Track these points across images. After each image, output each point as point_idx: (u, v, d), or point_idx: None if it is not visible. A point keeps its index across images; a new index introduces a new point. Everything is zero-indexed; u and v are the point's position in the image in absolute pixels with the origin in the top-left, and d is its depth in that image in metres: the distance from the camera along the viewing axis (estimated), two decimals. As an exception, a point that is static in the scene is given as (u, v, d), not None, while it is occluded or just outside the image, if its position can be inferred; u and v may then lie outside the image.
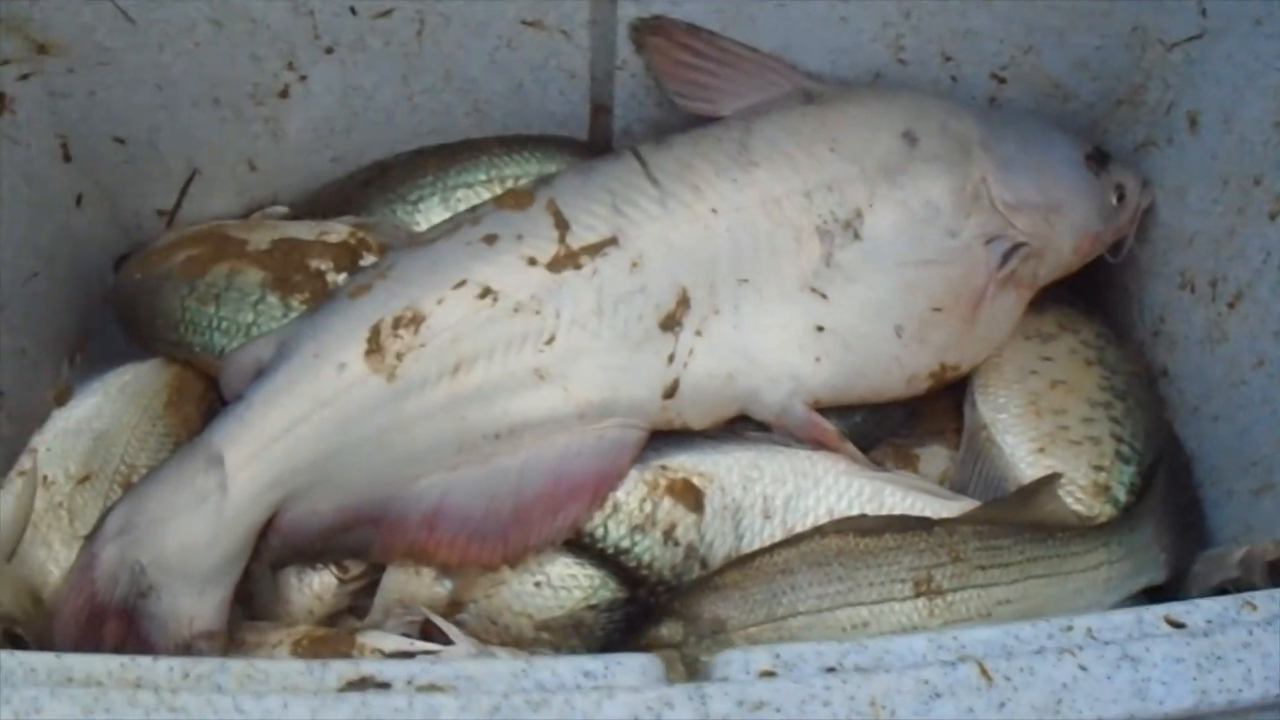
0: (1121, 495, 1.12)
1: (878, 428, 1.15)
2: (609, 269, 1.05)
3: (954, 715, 0.66)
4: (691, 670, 0.94)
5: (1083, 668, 0.68)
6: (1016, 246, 1.12)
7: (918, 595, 0.99)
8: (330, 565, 1.08)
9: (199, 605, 1.00)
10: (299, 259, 1.15)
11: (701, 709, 0.65)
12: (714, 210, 1.07)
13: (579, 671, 0.68)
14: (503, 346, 1.03)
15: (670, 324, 1.05)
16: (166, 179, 1.24)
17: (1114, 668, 0.69)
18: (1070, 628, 0.71)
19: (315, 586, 1.07)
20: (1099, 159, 1.17)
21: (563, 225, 1.06)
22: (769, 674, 0.68)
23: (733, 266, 1.07)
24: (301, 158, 1.25)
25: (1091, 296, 1.28)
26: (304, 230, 1.19)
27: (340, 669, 0.68)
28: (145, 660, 0.68)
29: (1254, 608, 0.72)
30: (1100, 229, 1.17)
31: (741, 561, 1.02)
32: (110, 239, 1.26)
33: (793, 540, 1.02)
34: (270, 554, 1.04)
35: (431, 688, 0.67)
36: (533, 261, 1.04)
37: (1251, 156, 1.08)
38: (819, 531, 1.02)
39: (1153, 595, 1.08)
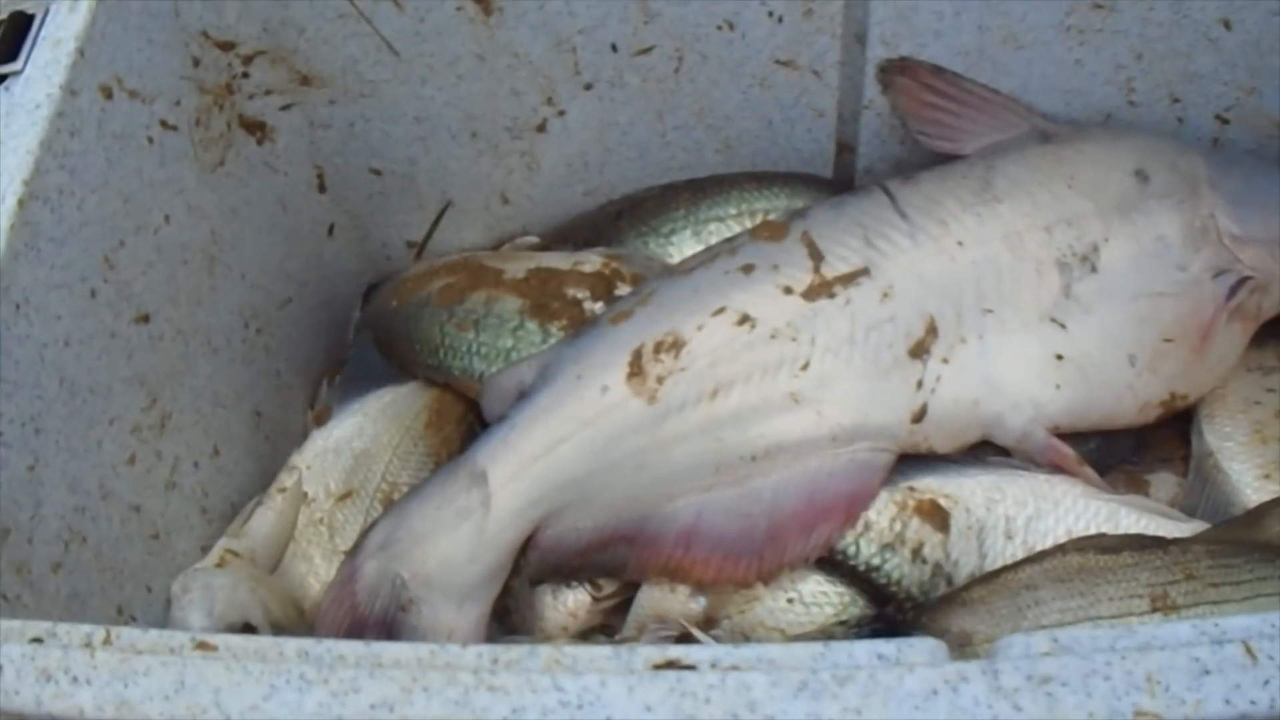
0: None
1: (1109, 455, 1.24)
2: (861, 298, 1.15)
3: (1222, 690, 0.72)
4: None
5: None
6: (1243, 280, 1.21)
7: (1154, 610, 1.07)
8: (585, 583, 1.17)
9: (458, 619, 1.11)
10: (555, 287, 1.26)
11: (994, 681, 0.72)
12: (960, 243, 1.18)
13: (873, 654, 0.75)
14: (759, 371, 1.13)
15: (919, 352, 1.15)
16: (419, 210, 1.36)
17: None
18: None
19: (570, 604, 1.17)
20: (1320, 197, 1.28)
21: (817, 256, 1.16)
22: (1048, 654, 0.75)
23: (978, 297, 1.17)
24: (554, 191, 1.37)
25: None
26: (558, 260, 1.30)
27: (647, 653, 0.74)
28: (454, 648, 0.74)
29: None
30: (1322, 264, 1.26)
31: (987, 578, 1.11)
32: (358, 269, 1.38)
33: (1035, 557, 1.11)
34: (529, 570, 1.14)
35: (735, 668, 0.73)
36: (789, 290, 1.15)
37: None
38: (1061, 549, 1.11)
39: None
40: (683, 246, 1.32)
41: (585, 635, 1.19)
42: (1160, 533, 1.16)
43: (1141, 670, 0.73)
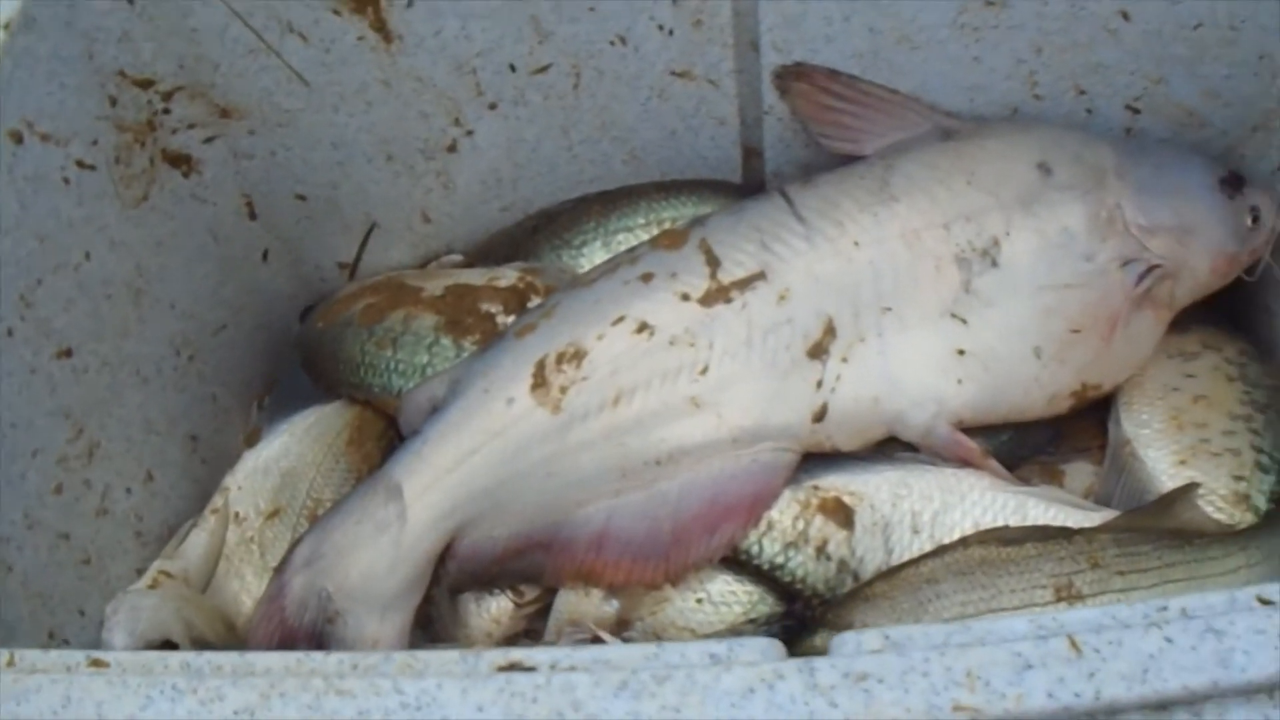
0: (1262, 503, 1.21)
1: (1023, 446, 1.26)
2: (757, 302, 1.18)
3: (1045, 684, 0.74)
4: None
5: (1169, 640, 0.75)
6: (1151, 268, 1.22)
7: (1058, 600, 1.09)
8: (506, 589, 1.21)
9: (382, 629, 1.15)
10: (470, 303, 1.30)
11: (810, 679, 0.74)
12: (856, 243, 1.20)
13: (705, 653, 0.78)
14: (659, 378, 1.17)
15: (818, 352, 1.18)
16: (346, 233, 1.41)
17: (1199, 639, 0.75)
18: (1165, 608, 0.78)
19: (493, 610, 1.21)
20: (1234, 182, 1.27)
21: (714, 262, 1.19)
22: (878, 651, 0.77)
23: (876, 296, 1.19)
24: (472, 208, 1.42)
25: (1235, 315, 1.37)
26: (475, 276, 1.34)
27: (491, 656, 0.79)
28: (318, 655, 0.79)
29: None
30: (1236, 250, 1.26)
31: (890, 573, 1.13)
32: (295, 291, 1.43)
33: (937, 551, 1.13)
34: (448, 579, 1.18)
35: (571, 669, 0.77)
36: (686, 297, 1.18)
37: None
38: (963, 542, 1.13)
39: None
40: (594, 258, 1.36)
41: (511, 640, 1.23)
42: (1068, 523, 1.18)
43: (962, 666, 0.76)
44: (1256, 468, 1.23)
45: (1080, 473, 1.29)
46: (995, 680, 0.75)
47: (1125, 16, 1.24)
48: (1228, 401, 1.27)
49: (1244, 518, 1.21)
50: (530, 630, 1.24)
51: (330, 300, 1.39)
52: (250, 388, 1.37)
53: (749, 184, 1.42)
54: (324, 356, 1.34)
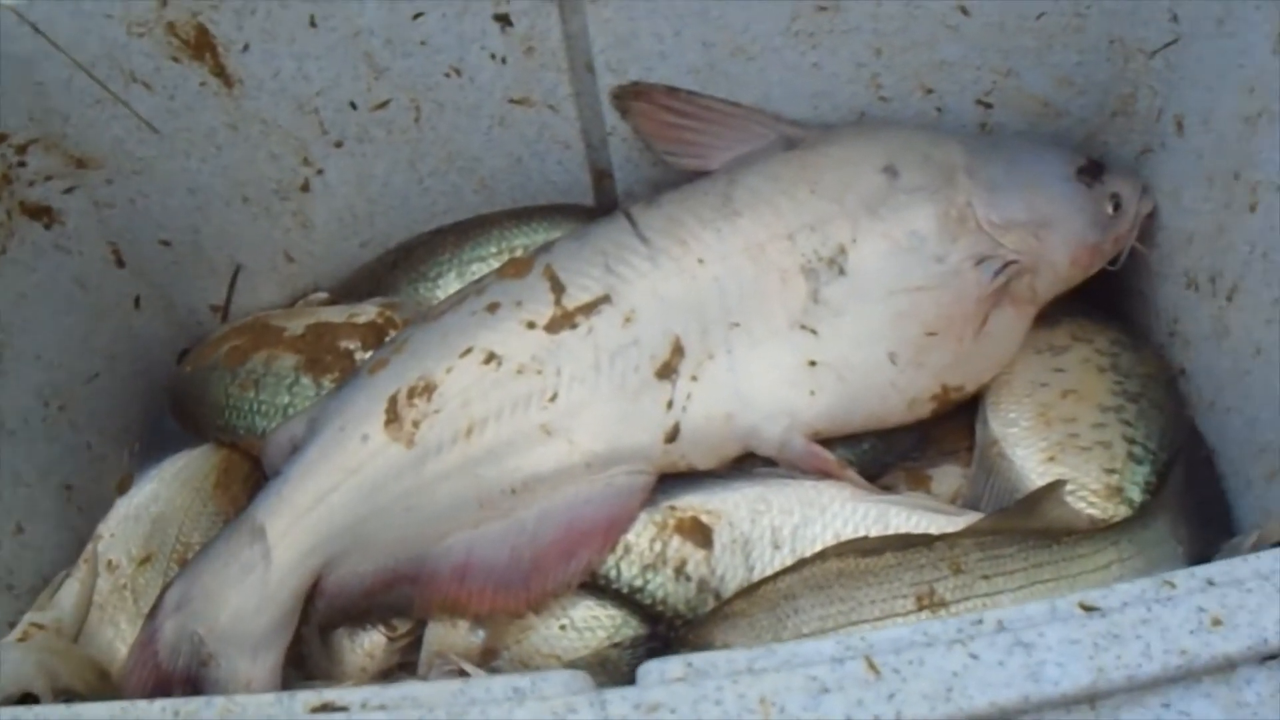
0: (1136, 495, 1.20)
1: (887, 453, 1.26)
2: (603, 325, 1.18)
3: (844, 707, 0.74)
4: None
5: (974, 656, 0.75)
6: (1007, 265, 1.21)
7: (920, 609, 1.09)
8: (378, 624, 1.22)
9: (253, 669, 1.16)
10: (330, 341, 1.31)
11: (601, 712, 0.75)
12: (700, 261, 1.20)
13: (509, 687, 0.78)
14: (509, 407, 1.17)
15: (666, 372, 1.18)
16: (214, 276, 1.41)
17: (1006, 654, 0.75)
18: (979, 621, 0.78)
19: (366, 645, 1.22)
20: (1092, 171, 1.26)
21: (559, 288, 1.20)
22: (678, 680, 0.78)
23: (722, 312, 1.19)
24: (332, 246, 1.42)
25: (1112, 305, 1.37)
26: (336, 314, 1.35)
27: (305, 697, 0.79)
28: (142, 703, 0.79)
29: (1173, 585, 0.78)
30: (1098, 239, 1.26)
31: (748, 590, 1.13)
32: (171, 336, 1.43)
33: (795, 566, 1.13)
34: (318, 617, 1.19)
35: (380, 707, 0.78)
36: (531, 325, 1.19)
37: (1229, 153, 1.17)
38: (820, 556, 1.13)
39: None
40: (449, 289, 1.37)
41: (386, 674, 1.23)
42: (931, 529, 1.17)
43: (756, 693, 0.76)
44: (1129, 459, 1.22)
45: (948, 476, 1.28)
46: (790, 706, 0.75)
47: (964, 11, 1.24)
48: (1098, 393, 1.26)
49: (1118, 511, 1.20)
50: (405, 663, 1.24)
51: (201, 344, 1.40)
52: (129, 434, 1.38)
53: (602, 206, 1.43)
54: (191, 401, 1.35)
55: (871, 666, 0.76)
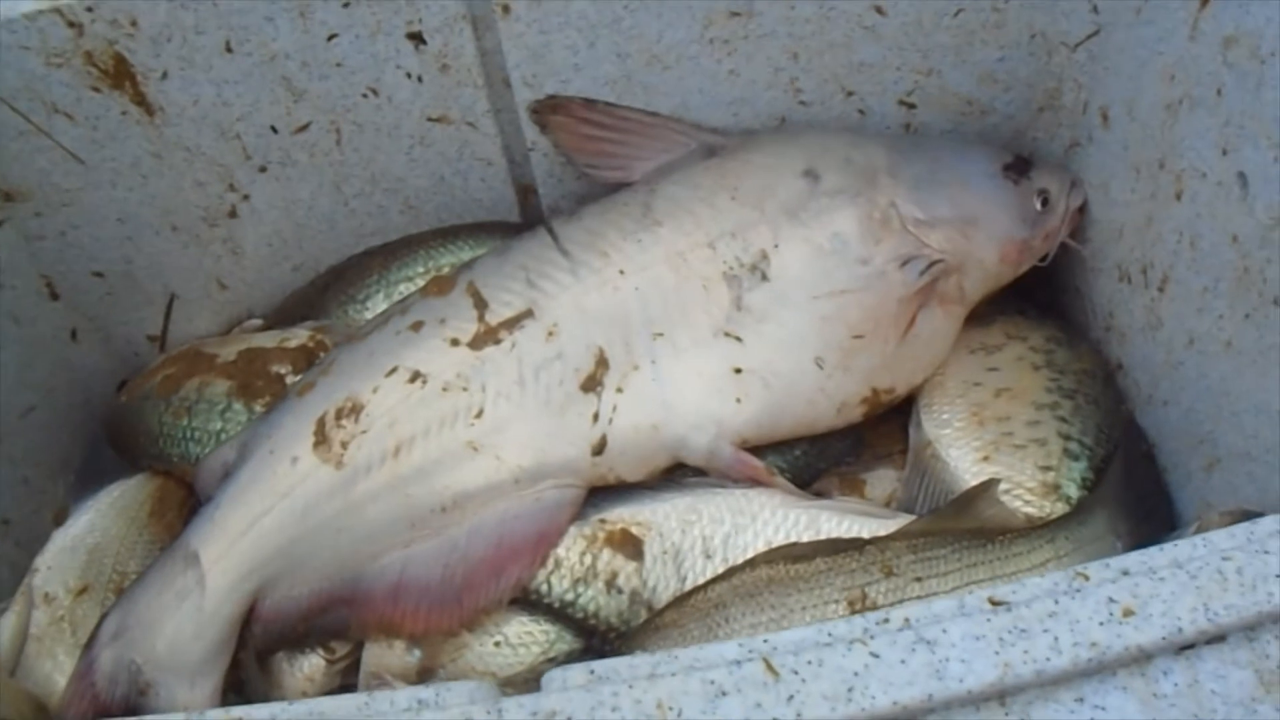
0: (1073, 492, 1.19)
1: (820, 459, 1.25)
2: (526, 340, 1.18)
3: (741, 710, 0.73)
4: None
5: (875, 655, 0.74)
6: (933, 264, 1.21)
7: (853, 614, 1.08)
8: (317, 647, 1.21)
9: (192, 696, 1.16)
10: (261, 365, 1.31)
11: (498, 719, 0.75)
12: (622, 272, 1.20)
13: (414, 699, 0.78)
14: (436, 425, 1.17)
15: (591, 385, 1.18)
16: (149, 306, 1.41)
17: (908, 652, 0.74)
18: (885, 620, 0.77)
19: (305, 669, 1.21)
20: (1019, 167, 1.26)
21: (481, 305, 1.20)
22: (579, 686, 0.77)
23: (645, 323, 1.19)
24: (264, 271, 1.42)
25: (1050, 303, 1.36)
26: (268, 339, 1.35)
27: (214, 715, 0.80)
28: None
29: (1086, 577, 0.78)
30: (1026, 235, 1.25)
31: (679, 601, 1.13)
32: (110, 368, 1.44)
33: (725, 575, 1.12)
34: (255, 641, 1.19)
35: None
36: (455, 342, 1.19)
37: (1153, 142, 1.16)
38: (750, 563, 1.12)
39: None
40: (378, 311, 1.36)
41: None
42: (862, 533, 1.17)
43: (653, 697, 0.75)
44: (1065, 455, 1.22)
45: (882, 480, 1.27)
46: (688, 709, 0.74)
47: (880, 11, 1.23)
48: (1032, 391, 1.25)
49: (1056, 509, 1.20)
50: (346, 685, 1.23)
51: (138, 374, 1.40)
52: (67, 467, 1.38)
53: (528, 222, 1.42)
54: (126, 430, 1.35)
55: (770, 668, 0.76)
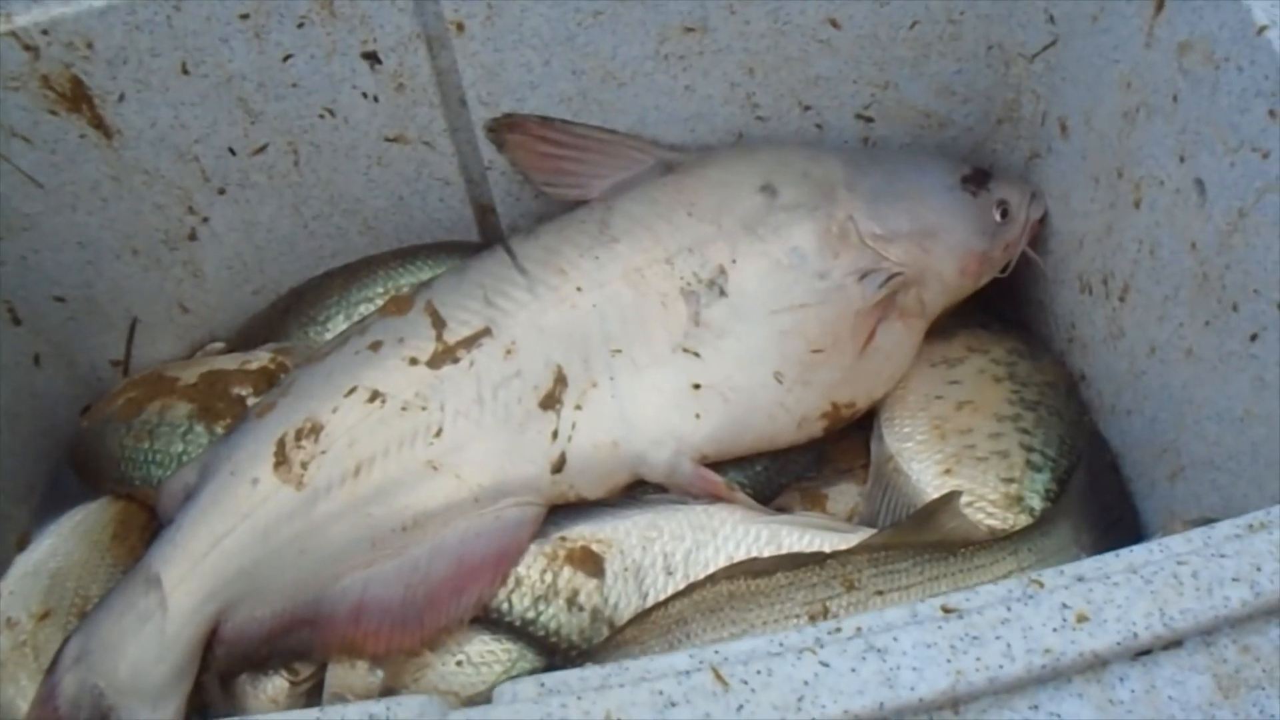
0: (1037, 503, 1.19)
1: (781, 474, 1.25)
2: (484, 359, 1.18)
3: None
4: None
5: (825, 664, 0.73)
6: (891, 277, 1.20)
7: None
8: (280, 669, 1.20)
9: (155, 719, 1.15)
10: (223, 388, 1.31)
11: None
12: (579, 289, 1.20)
13: (365, 713, 0.76)
14: (395, 444, 1.17)
15: (550, 402, 1.17)
16: (112, 331, 1.41)
17: (859, 660, 0.73)
18: (838, 629, 0.76)
19: (269, 691, 1.20)
20: (977, 179, 1.26)
21: (440, 324, 1.20)
22: (529, 700, 0.75)
23: (603, 339, 1.19)
24: (225, 295, 1.42)
25: (1013, 315, 1.36)
26: (229, 361, 1.35)
27: None
28: None
29: (1041, 584, 0.76)
30: (986, 247, 1.25)
31: (640, 617, 1.12)
32: (74, 393, 1.42)
33: (686, 590, 1.12)
34: (218, 664, 1.18)
35: None
36: (414, 361, 1.19)
37: (1111, 151, 1.16)
38: (711, 579, 1.12)
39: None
40: (338, 332, 1.35)
41: None
42: (824, 547, 1.16)
43: (601, 709, 0.74)
44: (1028, 467, 1.21)
45: (844, 495, 1.27)
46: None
47: (835, 25, 1.24)
48: (994, 403, 1.25)
49: (1019, 520, 1.19)
50: (310, 706, 1.21)
51: (101, 399, 1.40)
52: (31, 492, 1.38)
53: (487, 241, 1.42)
54: (88, 454, 1.35)
55: (719, 678, 0.75)
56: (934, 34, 1.24)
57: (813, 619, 1.07)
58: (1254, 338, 0.99)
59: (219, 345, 1.45)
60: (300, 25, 1.18)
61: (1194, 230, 1.05)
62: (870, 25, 1.23)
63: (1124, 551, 0.78)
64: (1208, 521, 1.05)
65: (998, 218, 1.25)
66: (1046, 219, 1.29)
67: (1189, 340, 1.08)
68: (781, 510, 1.23)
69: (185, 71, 1.20)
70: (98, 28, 1.15)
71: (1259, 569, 0.74)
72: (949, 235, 1.23)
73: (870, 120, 1.32)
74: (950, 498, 1.16)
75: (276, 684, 1.20)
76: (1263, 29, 0.94)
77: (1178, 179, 1.06)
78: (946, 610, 0.76)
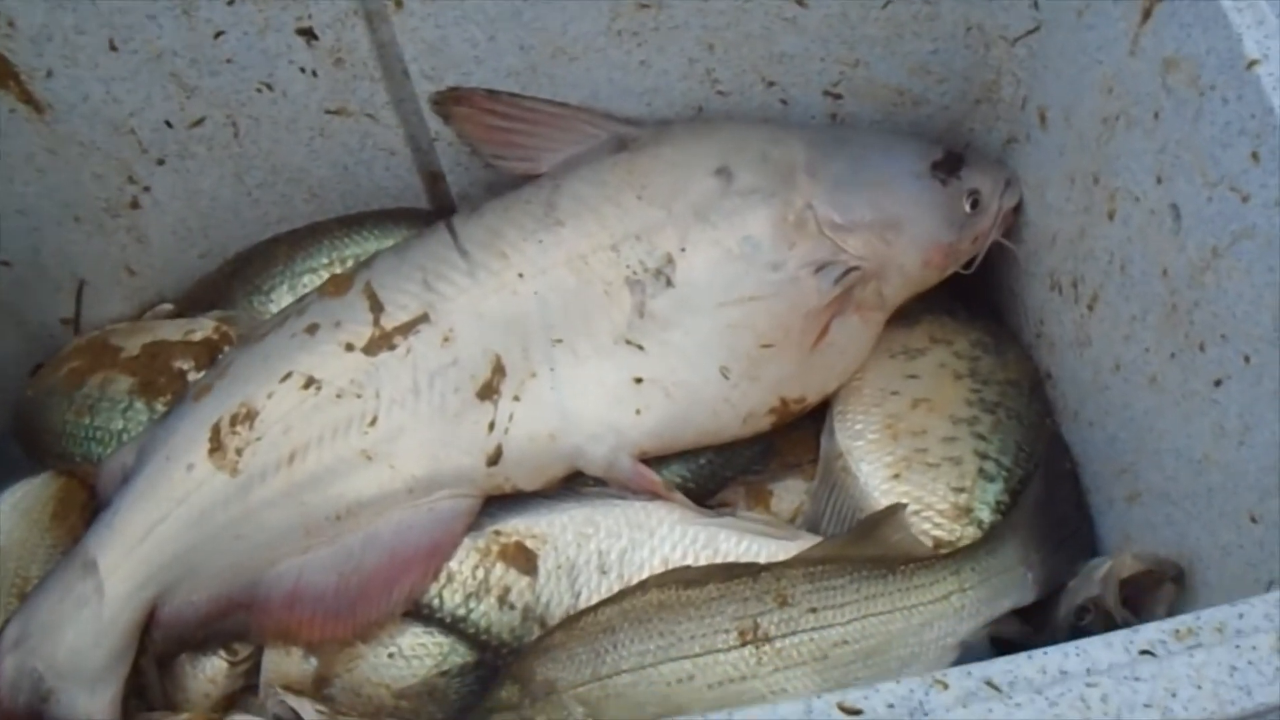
0: (986, 516, 1.15)
1: (726, 467, 1.21)
2: (422, 346, 1.15)
3: None
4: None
5: None
6: (849, 271, 1.15)
7: (744, 644, 1.04)
8: (219, 650, 1.19)
9: (92, 703, 1.14)
10: (164, 361, 1.29)
11: None
12: (521, 275, 1.16)
13: None
14: (330, 432, 1.14)
15: (488, 392, 1.14)
16: (60, 292, 1.38)
17: None
18: None
19: (208, 671, 1.20)
20: (948, 166, 1.20)
21: (378, 308, 1.17)
22: None
23: (544, 328, 1.15)
24: (171, 259, 1.39)
25: (985, 300, 1.32)
26: (172, 330, 1.32)
27: None
28: None
29: (945, 686, 0.71)
30: (953, 239, 1.19)
31: (569, 622, 1.11)
32: (25, 350, 1.40)
33: (616, 597, 1.10)
34: (155, 647, 1.18)
35: None
36: (350, 347, 1.16)
37: (1089, 153, 1.11)
38: (641, 587, 1.10)
39: (1025, 614, 1.10)
40: (282, 302, 1.34)
41: (230, 699, 1.21)
42: (762, 555, 1.14)
43: None
44: (980, 476, 1.18)
45: (790, 492, 1.24)
46: None
47: (800, 3, 1.17)
48: (951, 403, 1.21)
49: (966, 533, 1.16)
50: (250, 686, 1.22)
51: (49, 362, 1.37)
52: (-16, 460, 1.36)
53: (438, 209, 1.39)
54: (32, 426, 1.33)
55: None
56: (909, 13, 1.18)
57: (743, 635, 1.04)
58: (1218, 383, 0.95)
59: (168, 307, 1.42)
60: (230, 3, 1.14)
61: (1167, 256, 1.00)
62: (839, 5, 1.17)
63: (1038, 654, 0.71)
64: (1159, 561, 1.02)
65: (968, 208, 1.19)
66: (1021, 207, 1.23)
67: (1154, 367, 1.04)
68: (724, 506, 1.20)
69: (114, 48, 1.17)
70: (18, 6, 1.13)
71: (1174, 695, 0.69)
72: (914, 227, 1.17)
73: (839, 97, 1.26)
74: (895, 509, 1.12)
75: (215, 664, 1.20)
76: (1253, 63, 0.88)
77: (1154, 199, 1.01)
78: (845, 709, 0.71)
